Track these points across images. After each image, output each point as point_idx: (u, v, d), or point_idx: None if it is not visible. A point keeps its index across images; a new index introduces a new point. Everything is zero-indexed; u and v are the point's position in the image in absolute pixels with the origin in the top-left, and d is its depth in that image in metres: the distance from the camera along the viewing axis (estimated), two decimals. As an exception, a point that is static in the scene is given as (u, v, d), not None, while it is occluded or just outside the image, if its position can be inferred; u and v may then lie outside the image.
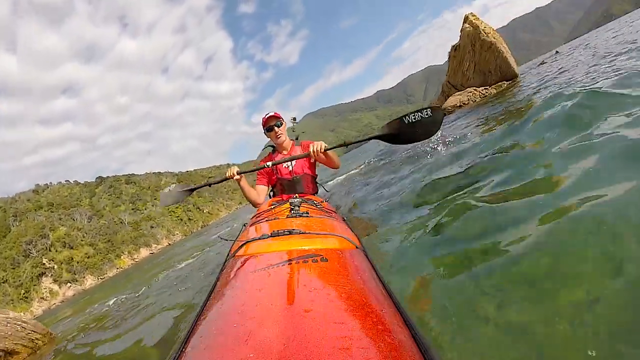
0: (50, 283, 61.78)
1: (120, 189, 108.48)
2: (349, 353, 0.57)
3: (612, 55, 6.71)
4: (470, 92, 12.87)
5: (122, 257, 76.87)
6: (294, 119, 3.15)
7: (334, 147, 2.54)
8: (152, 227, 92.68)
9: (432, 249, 2.09)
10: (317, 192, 3.16)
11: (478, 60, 13.37)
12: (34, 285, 59.96)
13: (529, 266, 1.50)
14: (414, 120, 2.54)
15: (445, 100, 14.22)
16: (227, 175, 2.69)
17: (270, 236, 1.29)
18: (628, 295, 1.14)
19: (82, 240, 74.82)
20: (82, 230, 78.15)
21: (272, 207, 2.23)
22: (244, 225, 2.31)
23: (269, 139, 3.12)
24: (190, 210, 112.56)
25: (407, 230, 2.54)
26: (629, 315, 1.09)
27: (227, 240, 1.80)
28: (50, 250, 68.07)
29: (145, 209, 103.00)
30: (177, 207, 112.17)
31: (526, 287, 1.41)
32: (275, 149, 3.11)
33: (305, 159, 2.92)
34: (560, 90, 4.25)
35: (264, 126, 2.97)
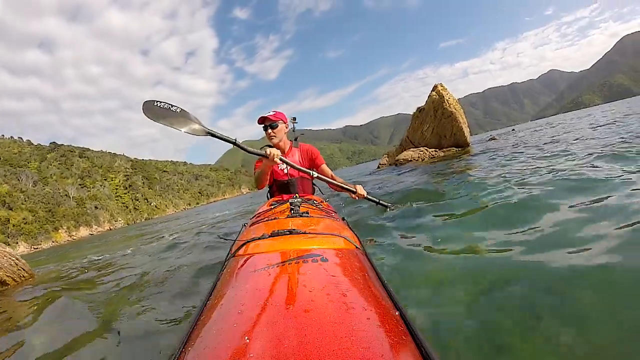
0: (-19, 241, 56.98)
1: (72, 161, 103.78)
2: (349, 353, 0.57)
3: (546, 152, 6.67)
4: (422, 151, 14.69)
5: (60, 230, 72.86)
6: (294, 119, 3.10)
7: (371, 200, 2.96)
8: (96, 207, 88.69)
9: (432, 249, 2.20)
10: (314, 193, 3.16)
11: (437, 125, 15.22)
12: (-37, 238, 55.69)
13: (525, 270, 1.65)
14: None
15: (402, 152, 16.06)
16: (267, 153, 2.45)
17: (270, 236, 1.31)
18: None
19: (22, 204, 70.64)
20: (25, 194, 74.01)
21: (272, 207, 2.24)
22: (244, 225, 2.30)
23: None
24: (137, 200, 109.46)
25: (407, 231, 2.70)
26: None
27: (227, 239, 1.73)
28: (-13, 206, 64.48)
29: (93, 187, 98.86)
30: (125, 193, 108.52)
31: (526, 288, 1.50)
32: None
33: (304, 162, 2.96)
34: (477, 177, 5.07)
35: (259, 124, 2.92)
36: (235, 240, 1.57)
